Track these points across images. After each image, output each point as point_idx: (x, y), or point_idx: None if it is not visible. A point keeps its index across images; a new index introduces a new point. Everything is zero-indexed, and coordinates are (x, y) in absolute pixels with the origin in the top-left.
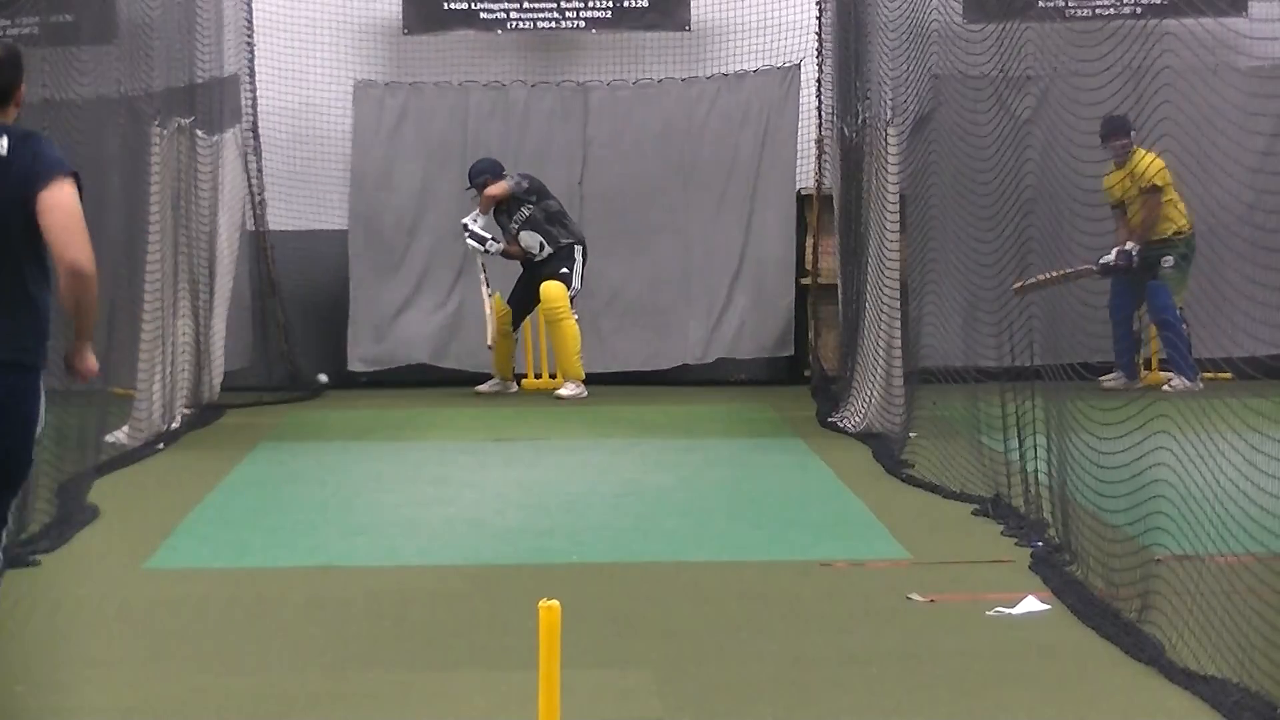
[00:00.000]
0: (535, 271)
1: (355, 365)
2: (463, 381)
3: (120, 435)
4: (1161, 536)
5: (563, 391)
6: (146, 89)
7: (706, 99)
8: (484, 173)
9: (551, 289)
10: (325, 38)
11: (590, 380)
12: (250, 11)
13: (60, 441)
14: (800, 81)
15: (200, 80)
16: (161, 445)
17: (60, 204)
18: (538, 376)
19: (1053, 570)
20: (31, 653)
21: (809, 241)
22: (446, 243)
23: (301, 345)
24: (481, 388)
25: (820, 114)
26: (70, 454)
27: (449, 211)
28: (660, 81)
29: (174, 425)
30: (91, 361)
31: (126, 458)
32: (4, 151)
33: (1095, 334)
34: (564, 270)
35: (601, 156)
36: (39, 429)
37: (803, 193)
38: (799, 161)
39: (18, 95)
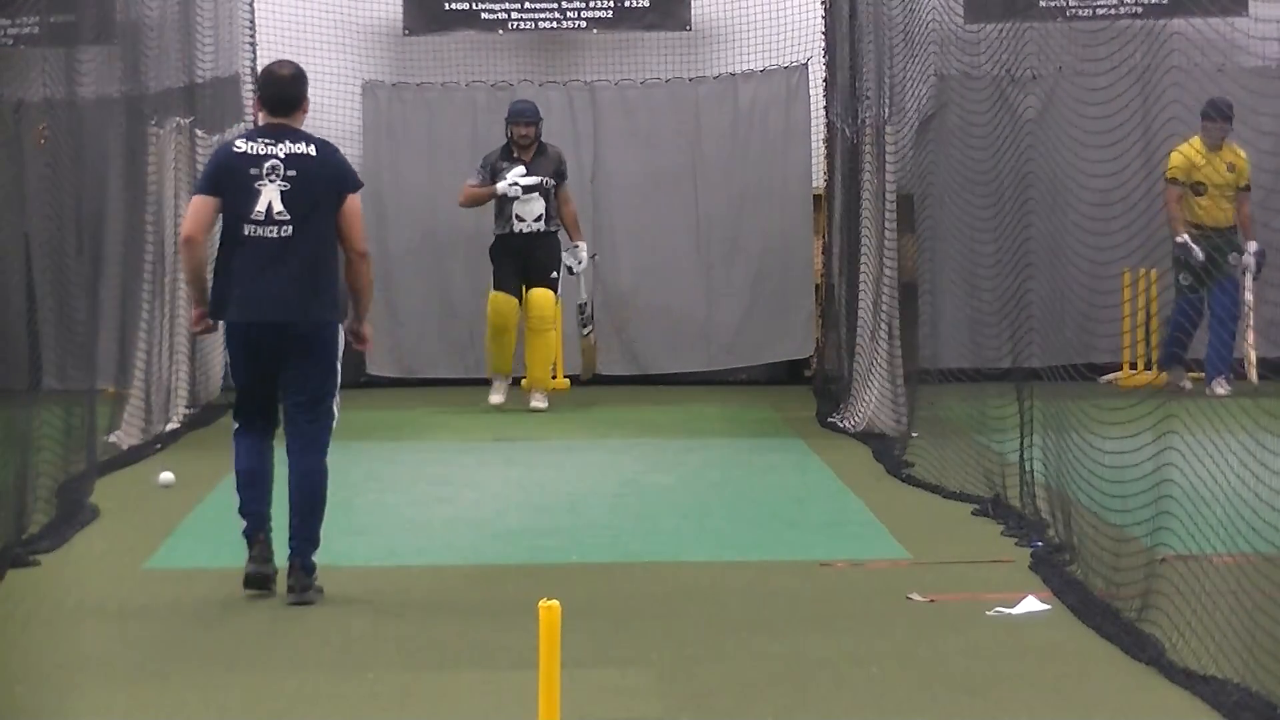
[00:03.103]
0: (529, 251)
1: (374, 369)
2: (463, 382)
3: (119, 435)
4: (1167, 536)
5: (540, 404)
6: (146, 89)
7: (714, 98)
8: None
9: (545, 297)
10: (327, 38)
11: (596, 381)
12: (252, 11)
13: (60, 441)
14: (808, 81)
15: (201, 80)
16: (160, 445)
17: (357, 211)
18: None
19: (1053, 570)
20: (31, 653)
21: (818, 242)
22: (457, 245)
23: None
24: (497, 399)
25: (828, 114)
26: (70, 454)
27: (460, 213)
28: (667, 81)
29: (174, 425)
30: (370, 331)
31: (126, 457)
32: (314, 152)
33: (1099, 334)
34: (554, 275)
35: (612, 156)
36: (339, 358)
37: (814, 193)
38: (813, 162)
39: (305, 104)
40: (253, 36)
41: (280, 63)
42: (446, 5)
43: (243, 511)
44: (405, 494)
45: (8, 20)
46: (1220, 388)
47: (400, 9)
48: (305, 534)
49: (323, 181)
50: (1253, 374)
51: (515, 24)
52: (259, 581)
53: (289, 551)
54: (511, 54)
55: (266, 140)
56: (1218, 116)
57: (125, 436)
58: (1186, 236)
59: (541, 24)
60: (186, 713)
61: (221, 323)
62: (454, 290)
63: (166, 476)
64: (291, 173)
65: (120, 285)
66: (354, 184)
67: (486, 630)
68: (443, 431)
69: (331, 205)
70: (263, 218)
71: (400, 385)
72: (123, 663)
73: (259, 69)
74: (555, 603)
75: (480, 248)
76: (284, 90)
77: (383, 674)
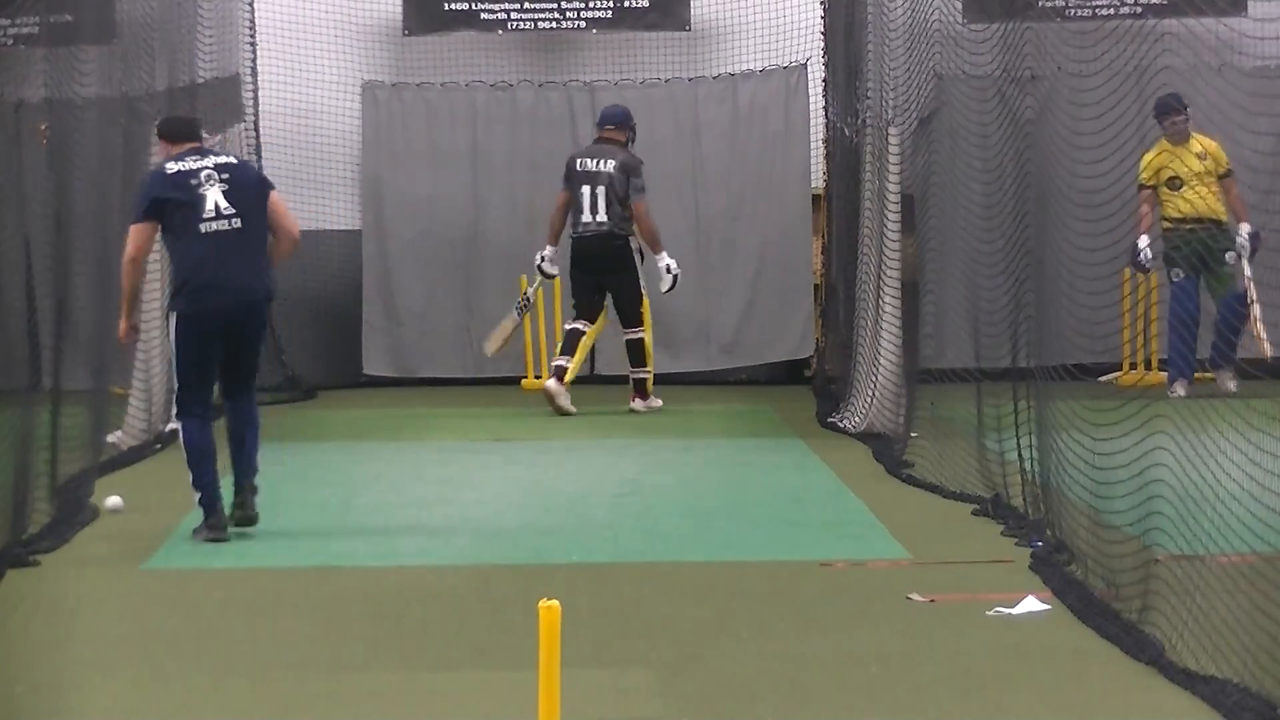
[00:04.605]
0: None
1: (371, 369)
2: (462, 382)
3: (119, 435)
4: (1161, 537)
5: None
6: (147, 89)
7: (713, 99)
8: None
9: None
10: (327, 38)
11: (596, 381)
12: (252, 11)
13: (60, 441)
14: (808, 81)
15: (201, 80)
16: (160, 445)
17: (284, 203)
18: (538, 377)
19: (1053, 570)
20: (31, 653)
21: (817, 242)
22: (456, 245)
23: (307, 345)
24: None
25: (828, 114)
26: (70, 454)
27: (459, 213)
28: (667, 81)
29: (174, 425)
30: None
31: (126, 458)
32: (234, 160)
33: (1095, 334)
34: None
35: None
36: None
37: (813, 193)
38: (812, 162)
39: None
40: (253, 36)
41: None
42: (446, 5)
43: (199, 484)
44: (405, 494)
45: (8, 20)
46: (1230, 384)
47: (400, 9)
48: (251, 463)
49: (250, 181)
50: (1266, 348)
51: (515, 24)
52: (220, 539)
53: (237, 477)
54: (511, 54)
55: (193, 158)
56: (1171, 111)
57: (125, 436)
58: (1143, 240)
59: (541, 24)
60: (186, 713)
61: (174, 314)
62: (453, 290)
63: (114, 501)
64: (225, 175)
65: (120, 284)
66: (271, 184)
67: (486, 630)
68: (443, 431)
69: (262, 201)
70: (214, 214)
71: (400, 385)
72: (123, 663)
73: (259, 69)
74: (555, 603)
75: (478, 248)
76: (190, 125)
77: (383, 674)
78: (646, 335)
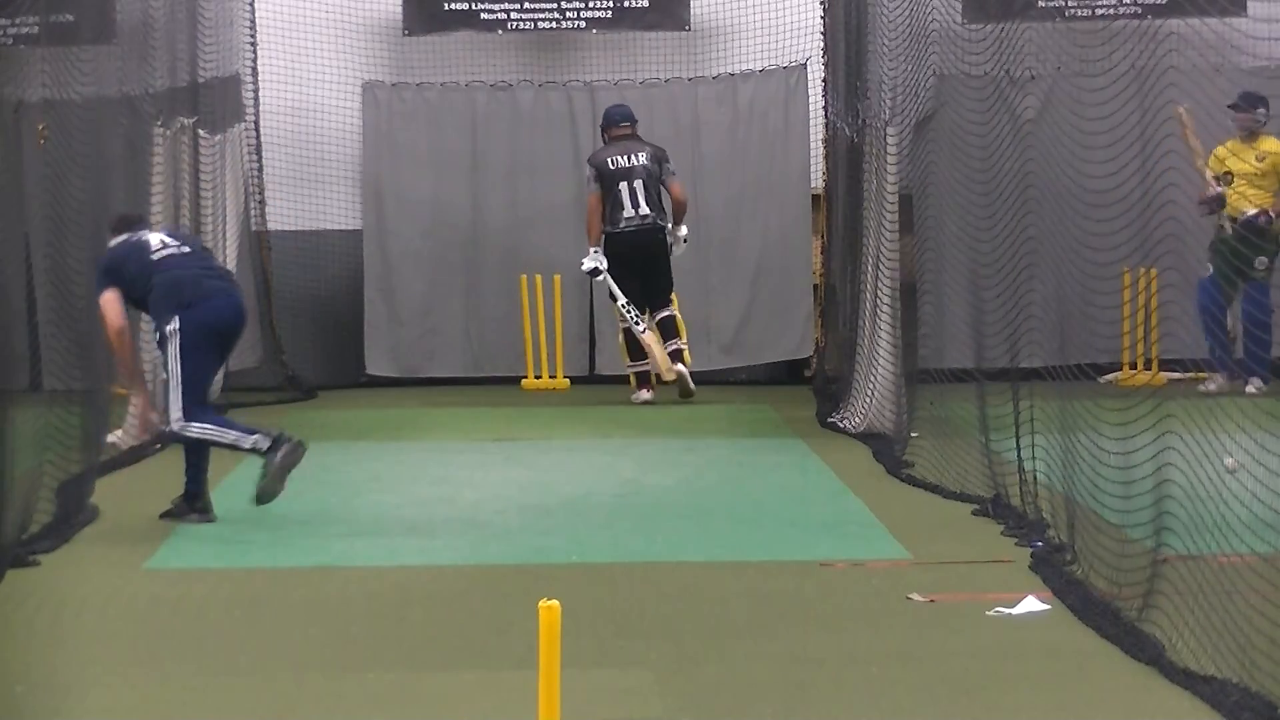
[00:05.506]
0: None
1: (374, 369)
2: (462, 382)
3: (119, 435)
4: (1167, 536)
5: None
6: (148, 88)
7: (713, 99)
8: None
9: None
10: (326, 38)
11: (596, 381)
12: (252, 11)
13: (60, 441)
14: (807, 82)
15: (202, 79)
16: (160, 445)
17: None
18: (538, 377)
19: (1053, 570)
20: (31, 653)
21: (817, 242)
22: (456, 245)
23: (307, 345)
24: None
25: (827, 114)
26: (70, 454)
27: (459, 212)
28: (666, 82)
29: (173, 430)
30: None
31: (126, 458)
32: None
33: (1099, 334)
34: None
35: None
36: None
37: (813, 193)
38: (812, 162)
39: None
40: (253, 36)
41: None
42: (446, 5)
43: (243, 429)
44: (405, 494)
45: (8, 20)
46: (1253, 387)
47: (400, 9)
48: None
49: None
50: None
51: (514, 24)
52: (300, 447)
53: (199, 478)
54: (511, 54)
55: (134, 228)
56: (1241, 108)
57: (125, 436)
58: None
59: (541, 24)
60: (186, 713)
61: (178, 328)
62: (453, 289)
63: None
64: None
65: None
66: None
67: (486, 630)
68: (443, 431)
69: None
70: (161, 246)
71: (400, 385)
72: (123, 663)
73: (259, 69)
74: (555, 603)
75: (479, 247)
76: (137, 220)
77: (383, 674)
78: (678, 313)
